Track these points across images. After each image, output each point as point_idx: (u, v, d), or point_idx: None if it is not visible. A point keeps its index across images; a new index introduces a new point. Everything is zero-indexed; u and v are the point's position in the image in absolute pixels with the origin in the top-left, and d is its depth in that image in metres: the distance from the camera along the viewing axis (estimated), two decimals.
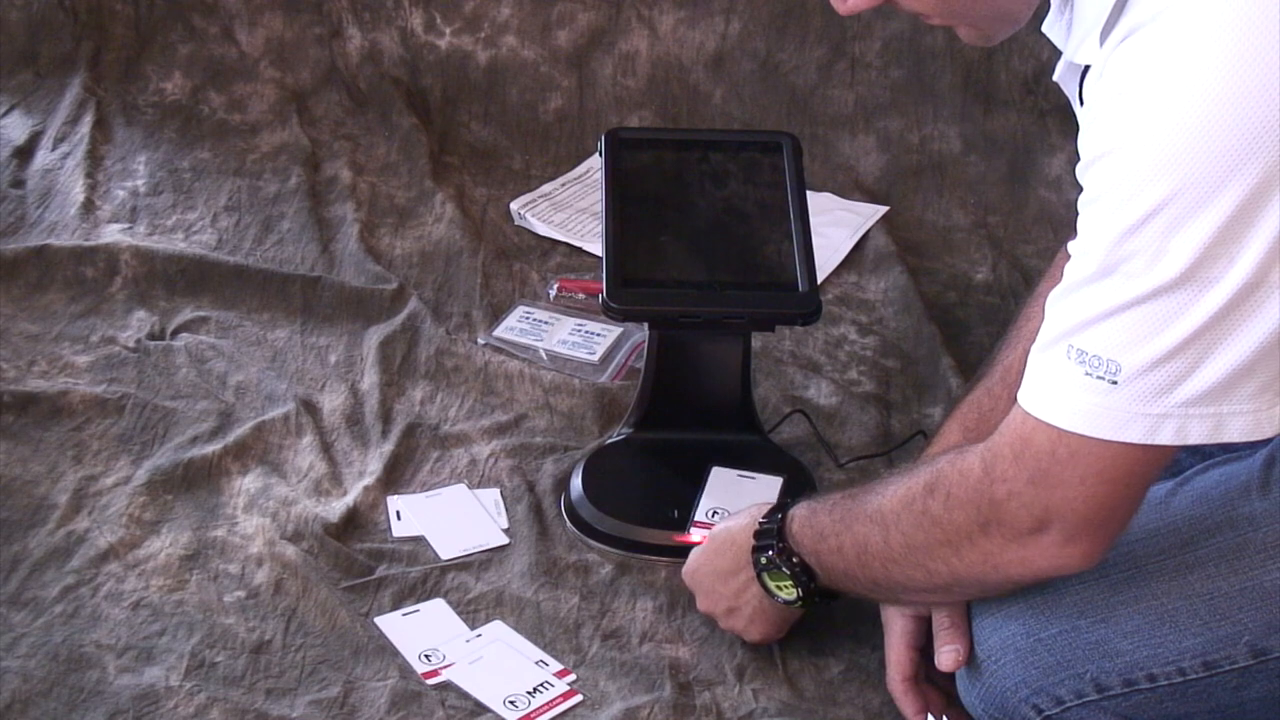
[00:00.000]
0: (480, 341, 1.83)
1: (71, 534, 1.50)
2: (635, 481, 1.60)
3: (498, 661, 1.39)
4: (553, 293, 1.92)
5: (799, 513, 1.31)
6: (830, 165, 2.25)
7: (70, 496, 1.54)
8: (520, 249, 2.03)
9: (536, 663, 1.40)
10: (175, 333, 1.80)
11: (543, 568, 1.50)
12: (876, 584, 1.26)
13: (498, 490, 1.60)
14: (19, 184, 2.05)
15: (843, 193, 2.19)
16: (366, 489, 1.58)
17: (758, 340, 1.77)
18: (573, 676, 1.39)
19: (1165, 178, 0.99)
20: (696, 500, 1.54)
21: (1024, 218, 2.17)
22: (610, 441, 1.64)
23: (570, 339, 1.83)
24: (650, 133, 2.01)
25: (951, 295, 2.01)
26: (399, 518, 1.56)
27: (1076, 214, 1.08)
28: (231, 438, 1.63)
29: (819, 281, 1.65)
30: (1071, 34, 1.13)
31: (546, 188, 2.16)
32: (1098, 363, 1.05)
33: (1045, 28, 1.19)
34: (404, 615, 1.44)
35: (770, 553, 1.32)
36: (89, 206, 2.00)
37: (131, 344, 1.77)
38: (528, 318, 1.87)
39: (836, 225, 2.09)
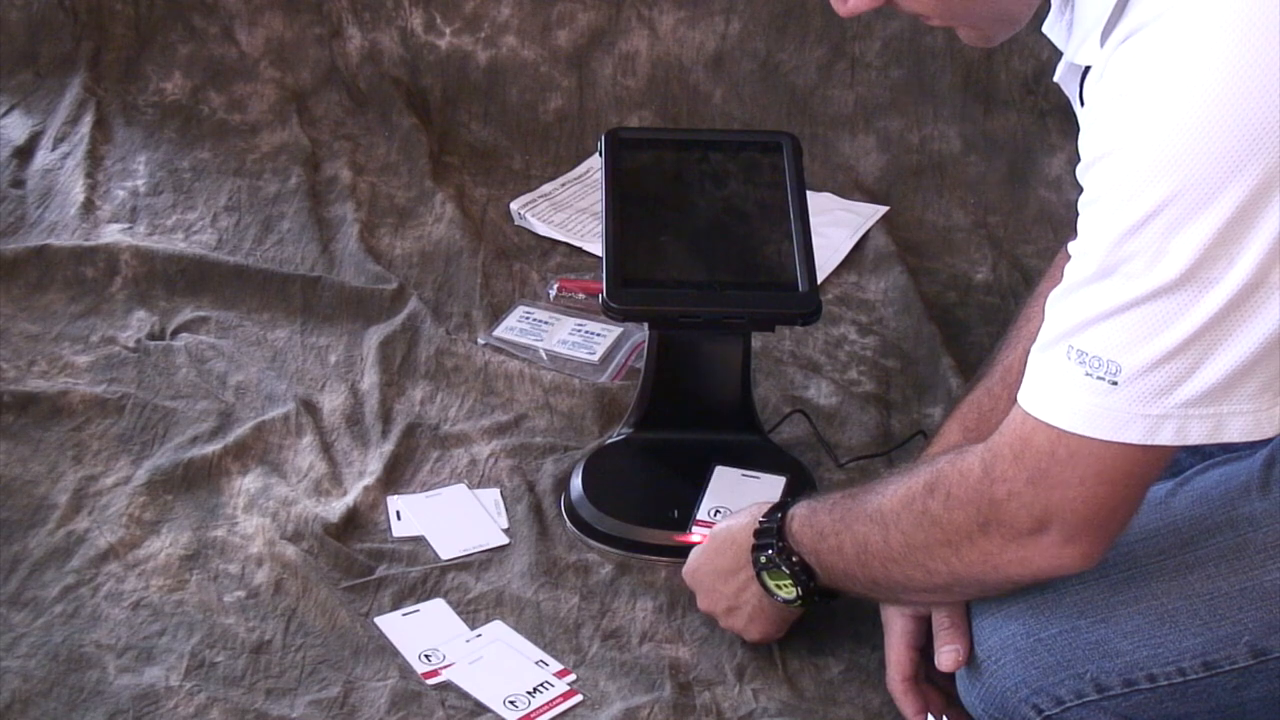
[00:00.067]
0: (480, 341, 1.83)
1: (71, 534, 1.50)
2: (635, 481, 1.60)
3: (498, 661, 1.39)
4: (553, 293, 1.92)
5: (799, 512, 1.31)
6: (830, 165, 2.24)
7: (70, 496, 1.54)
8: (520, 249, 2.03)
9: (536, 663, 1.40)
10: (175, 333, 1.80)
11: (543, 568, 1.50)
12: (876, 583, 1.26)
13: (498, 490, 1.60)
14: (19, 184, 2.05)
15: (843, 193, 2.19)
16: (366, 489, 1.58)
17: (758, 340, 1.76)
18: (573, 676, 1.39)
19: (1165, 179, 0.99)
20: (699, 499, 1.54)
21: (1024, 218, 2.17)
22: (610, 441, 1.64)
23: (570, 339, 1.83)
24: (650, 133, 2.01)
25: (951, 295, 2.01)
26: (399, 518, 1.56)
27: (1076, 214, 1.08)
28: (231, 438, 1.63)
29: (819, 281, 1.64)
30: (1072, 35, 1.13)
31: (546, 188, 2.16)
32: (1098, 363, 1.05)
33: (1045, 28, 1.19)
34: (404, 615, 1.44)
35: (770, 552, 1.32)
36: (89, 206, 2.00)
37: (131, 344, 1.77)
38: (528, 318, 1.87)
39: (836, 225, 2.09)
